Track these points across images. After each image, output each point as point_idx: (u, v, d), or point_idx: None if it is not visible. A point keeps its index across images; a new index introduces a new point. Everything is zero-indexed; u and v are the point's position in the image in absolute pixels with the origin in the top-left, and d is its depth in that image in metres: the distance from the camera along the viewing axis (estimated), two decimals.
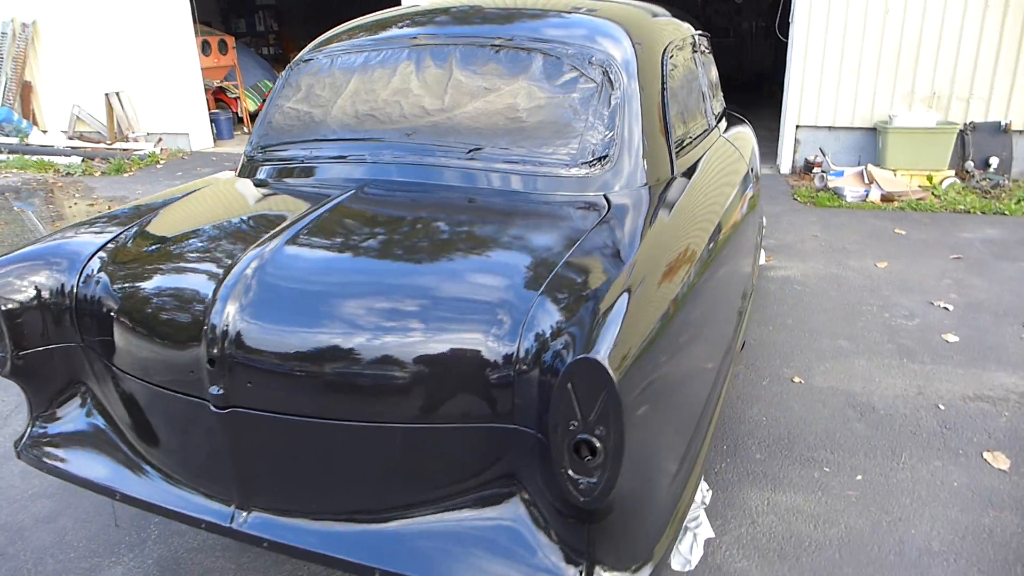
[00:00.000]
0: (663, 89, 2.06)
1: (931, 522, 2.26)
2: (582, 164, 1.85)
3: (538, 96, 1.94)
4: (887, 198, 5.97)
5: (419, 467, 1.37)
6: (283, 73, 2.30)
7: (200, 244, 1.66)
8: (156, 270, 1.62)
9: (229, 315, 1.39)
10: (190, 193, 2.08)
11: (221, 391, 1.40)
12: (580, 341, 1.20)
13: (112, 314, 1.61)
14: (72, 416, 1.79)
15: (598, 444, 1.15)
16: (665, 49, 2.17)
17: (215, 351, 1.38)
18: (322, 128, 2.13)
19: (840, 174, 6.41)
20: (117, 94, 9.28)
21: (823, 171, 6.59)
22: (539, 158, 1.87)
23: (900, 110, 6.58)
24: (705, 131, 2.54)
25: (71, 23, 9.37)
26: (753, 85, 13.17)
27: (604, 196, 1.81)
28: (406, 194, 1.87)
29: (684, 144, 2.18)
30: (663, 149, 1.97)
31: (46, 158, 8.79)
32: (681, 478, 1.56)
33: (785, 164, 7.22)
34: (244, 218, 1.80)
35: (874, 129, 6.69)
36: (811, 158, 6.97)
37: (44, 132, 9.67)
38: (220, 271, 1.49)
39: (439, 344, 1.31)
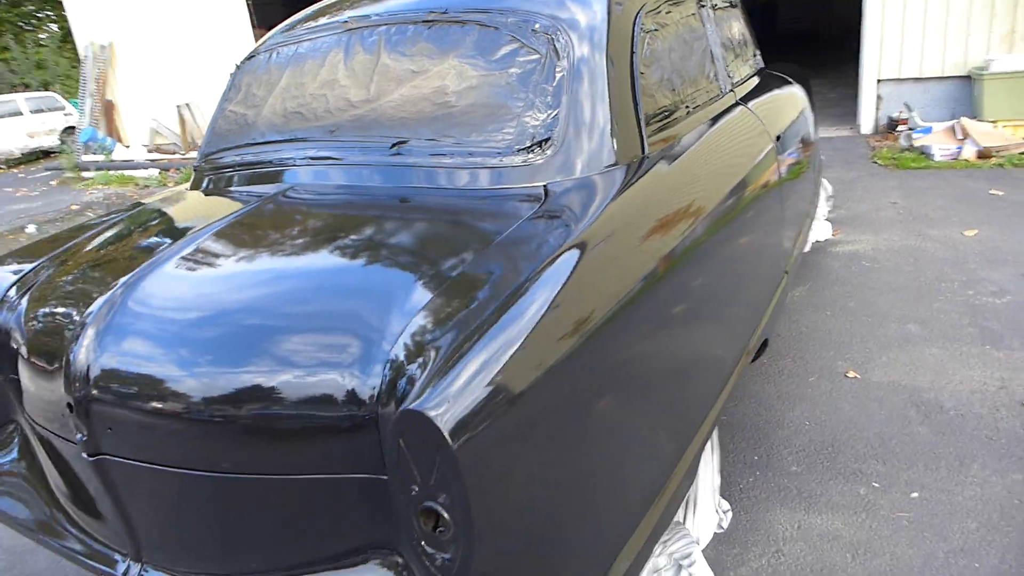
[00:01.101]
0: (631, 56, 1.74)
1: (1002, 553, 1.85)
2: (518, 151, 1.57)
3: (470, 76, 1.67)
4: (984, 154, 5.25)
5: (287, 525, 1.17)
6: (230, 74, 2.14)
7: (99, 271, 1.51)
8: (53, 300, 1.49)
9: (87, 352, 1.23)
10: (129, 212, 1.96)
11: (84, 436, 1.25)
12: (420, 383, 0.96)
13: (14, 347, 1.50)
14: (6, 452, 1.72)
15: (445, 514, 0.91)
16: (641, 8, 1.85)
17: (74, 392, 1.23)
18: (253, 131, 1.95)
19: (928, 131, 5.71)
20: (187, 105, 9.61)
21: (909, 128, 5.90)
22: (469, 148, 1.60)
23: (999, 53, 5.78)
24: (712, 99, 2.19)
25: (143, 41, 9.77)
26: (841, 41, 12.15)
27: (544, 187, 1.53)
28: (319, 201, 1.66)
29: (668, 117, 1.85)
30: (629, 127, 1.66)
31: (127, 172, 9.22)
32: (621, 536, 1.28)
33: (866, 124, 6.53)
34: (156, 238, 1.65)
35: (968, 77, 5.92)
36: (896, 115, 6.26)
37: (127, 147, 10.17)
38: (96, 302, 1.34)
39: (297, 382, 1.10)
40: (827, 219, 4.26)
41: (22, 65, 18.72)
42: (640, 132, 1.70)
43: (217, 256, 1.43)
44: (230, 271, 1.38)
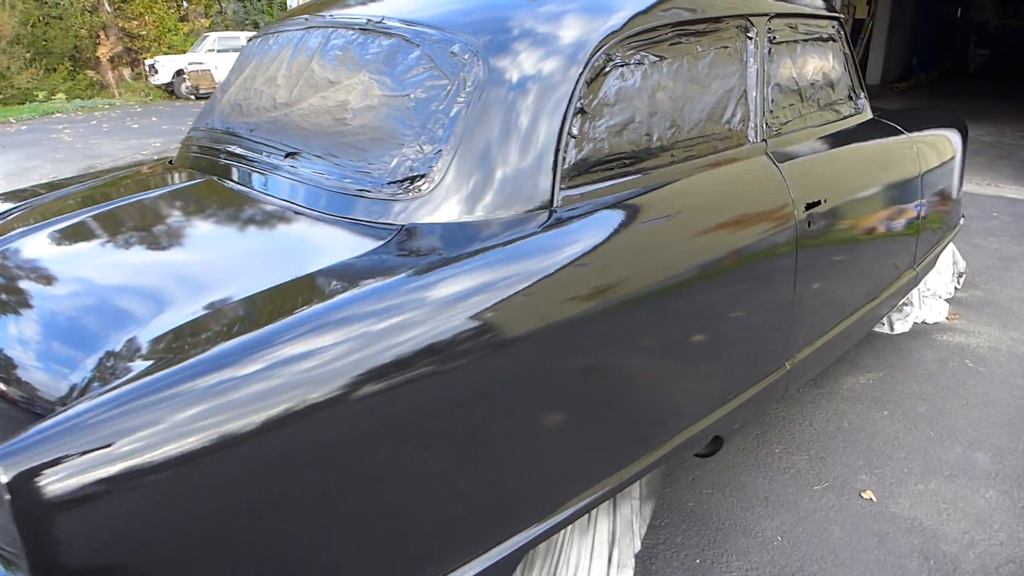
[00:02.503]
0: (573, 89, 1.51)
1: None
2: (389, 183, 1.41)
3: (373, 94, 1.53)
4: None
5: None
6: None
7: None
8: None
9: None
10: (102, 177, 2.06)
11: None
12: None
13: None
14: None
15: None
16: (611, 36, 1.60)
17: None
18: (211, 116, 1.96)
19: None
20: None
21: None
22: (346, 171, 1.47)
23: None
24: (721, 149, 1.87)
25: None
26: None
27: (403, 227, 1.36)
28: (195, 203, 1.61)
29: (625, 166, 1.60)
30: (536, 173, 1.45)
31: None
32: None
33: None
34: (72, 206, 1.71)
35: None
36: None
37: None
38: None
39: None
40: (947, 298, 3.60)
41: (255, 6, 20.87)
42: (553, 180, 1.48)
43: (63, 240, 1.45)
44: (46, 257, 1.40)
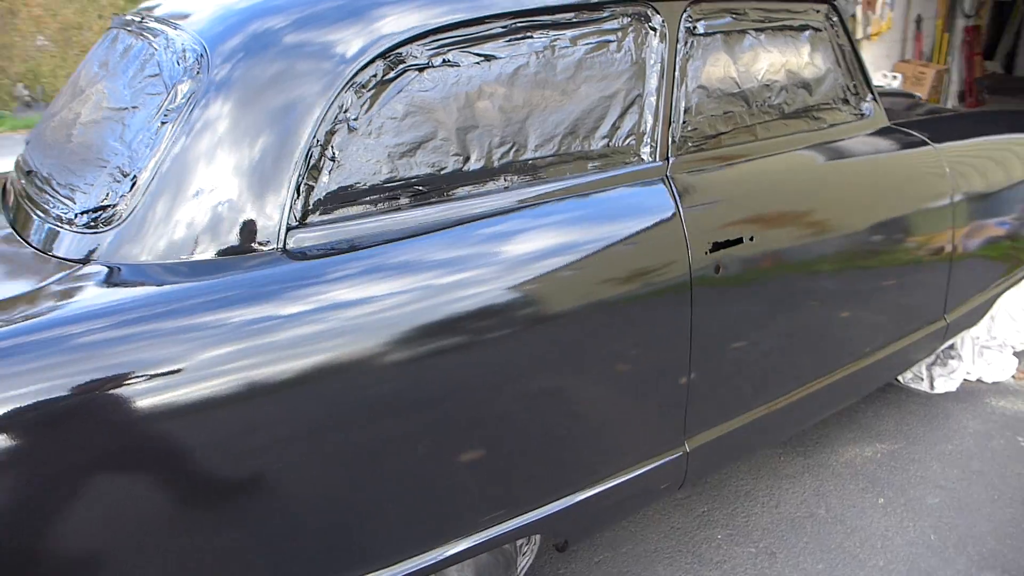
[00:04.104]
0: (328, 104, 1.19)
1: None
2: (81, 213, 1.18)
3: (106, 103, 1.30)
4: None
5: None
6: None
7: None
8: None
9: None
10: None
11: None
12: None
13: None
14: None
15: None
16: (411, 38, 1.26)
17: None
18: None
19: None
20: None
21: None
22: (56, 194, 1.26)
23: None
24: (580, 171, 1.47)
25: None
26: None
27: (81, 262, 1.13)
28: None
29: (408, 197, 1.27)
30: (264, 207, 1.15)
31: None
32: None
33: None
34: None
35: None
36: None
37: None
38: None
39: None
40: (1018, 351, 2.88)
41: None
42: (282, 216, 1.18)
43: None
44: None
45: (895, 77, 7.36)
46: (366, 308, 1.18)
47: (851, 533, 2.04)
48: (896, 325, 2.14)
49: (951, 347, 2.70)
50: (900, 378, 2.66)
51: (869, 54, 7.09)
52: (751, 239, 1.63)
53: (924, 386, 2.67)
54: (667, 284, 1.51)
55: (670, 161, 1.61)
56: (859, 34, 6.60)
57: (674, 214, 1.53)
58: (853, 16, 6.37)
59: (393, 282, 1.21)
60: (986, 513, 2.11)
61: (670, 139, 1.61)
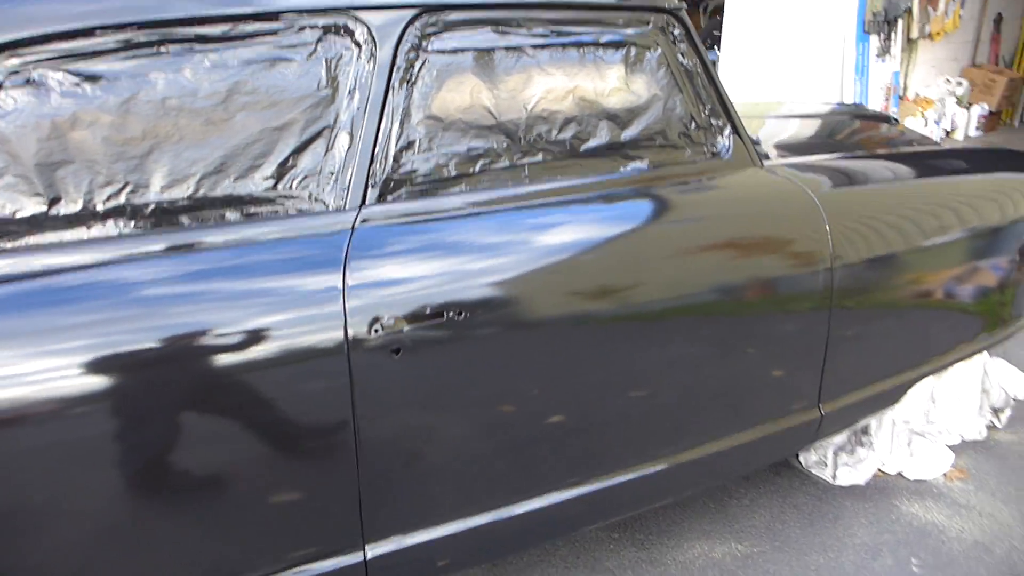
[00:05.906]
0: None
1: None
2: None
3: None
4: None
5: None
6: None
7: None
8: None
9: None
10: None
11: None
12: None
13: None
14: None
15: None
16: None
17: None
18: None
19: None
20: None
21: None
22: None
23: None
24: (200, 224, 1.17)
25: None
26: None
27: None
28: None
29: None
30: None
31: None
32: None
33: None
34: None
35: None
36: None
37: None
38: None
39: None
40: (960, 443, 2.38)
41: None
42: None
43: None
44: None
45: (959, 83, 6.53)
46: None
47: None
48: (737, 415, 1.75)
49: (864, 431, 2.26)
50: (803, 461, 2.24)
51: (929, 56, 6.30)
52: (462, 315, 1.29)
53: (827, 474, 2.24)
54: (325, 364, 1.21)
55: (370, 208, 1.29)
56: (915, 33, 5.83)
57: (335, 283, 1.21)
58: (908, 11, 5.60)
59: None
60: None
61: (369, 182, 1.29)
